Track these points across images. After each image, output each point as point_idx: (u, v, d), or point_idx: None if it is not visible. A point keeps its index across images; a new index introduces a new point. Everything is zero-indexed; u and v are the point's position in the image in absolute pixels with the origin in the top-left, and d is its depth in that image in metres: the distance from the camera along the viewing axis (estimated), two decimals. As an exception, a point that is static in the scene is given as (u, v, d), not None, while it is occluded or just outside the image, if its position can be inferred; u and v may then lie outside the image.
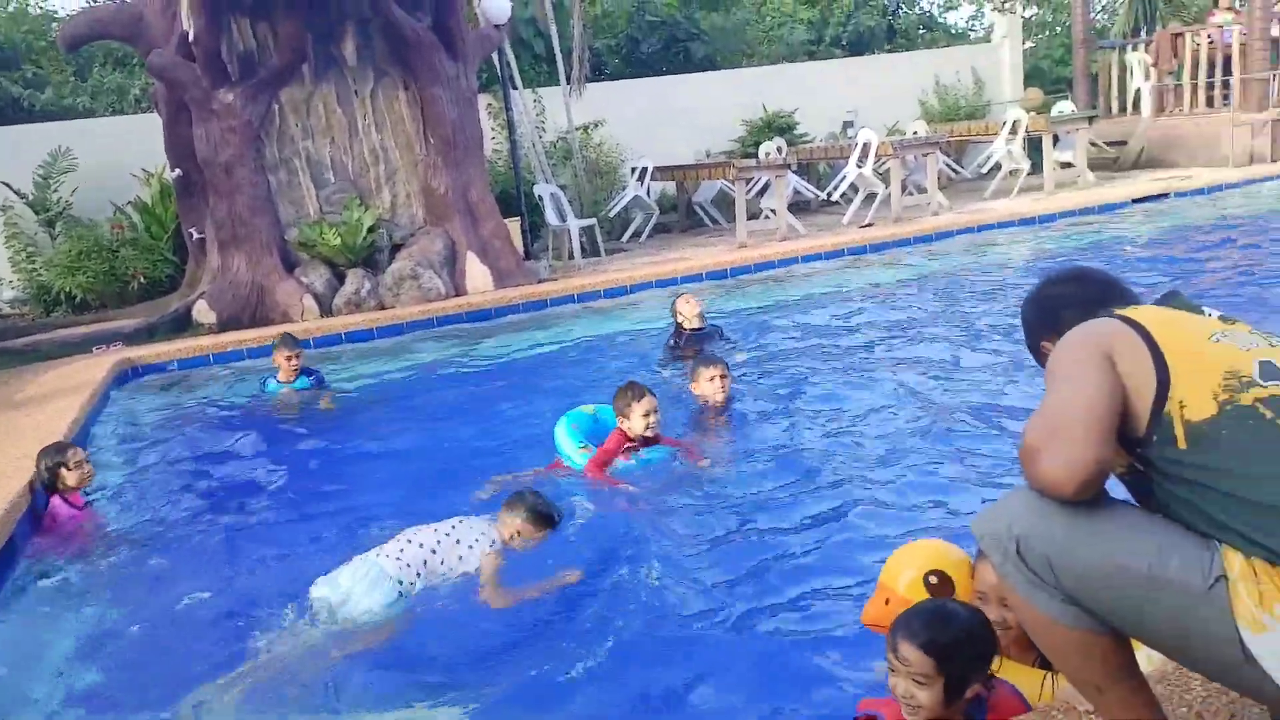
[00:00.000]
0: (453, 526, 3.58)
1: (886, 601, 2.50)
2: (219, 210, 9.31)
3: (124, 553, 4.32)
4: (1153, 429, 1.74)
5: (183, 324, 9.23)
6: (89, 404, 6.69)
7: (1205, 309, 1.93)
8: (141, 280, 10.29)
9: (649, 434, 4.53)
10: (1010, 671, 2.43)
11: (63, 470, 4.67)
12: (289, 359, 6.71)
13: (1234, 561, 1.64)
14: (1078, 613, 1.77)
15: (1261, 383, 1.72)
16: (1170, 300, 2.00)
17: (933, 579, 2.49)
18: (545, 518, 3.66)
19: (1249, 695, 1.89)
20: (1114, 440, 1.74)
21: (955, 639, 2.11)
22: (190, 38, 8.86)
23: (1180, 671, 2.19)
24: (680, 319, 6.69)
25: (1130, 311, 1.90)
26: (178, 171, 9.69)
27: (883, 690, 2.29)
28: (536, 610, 3.36)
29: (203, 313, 9.18)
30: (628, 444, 4.54)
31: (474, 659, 3.14)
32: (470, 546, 3.52)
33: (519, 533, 3.61)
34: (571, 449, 4.71)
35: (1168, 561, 1.68)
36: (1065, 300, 2.11)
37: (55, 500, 4.69)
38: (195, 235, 9.87)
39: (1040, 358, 2.16)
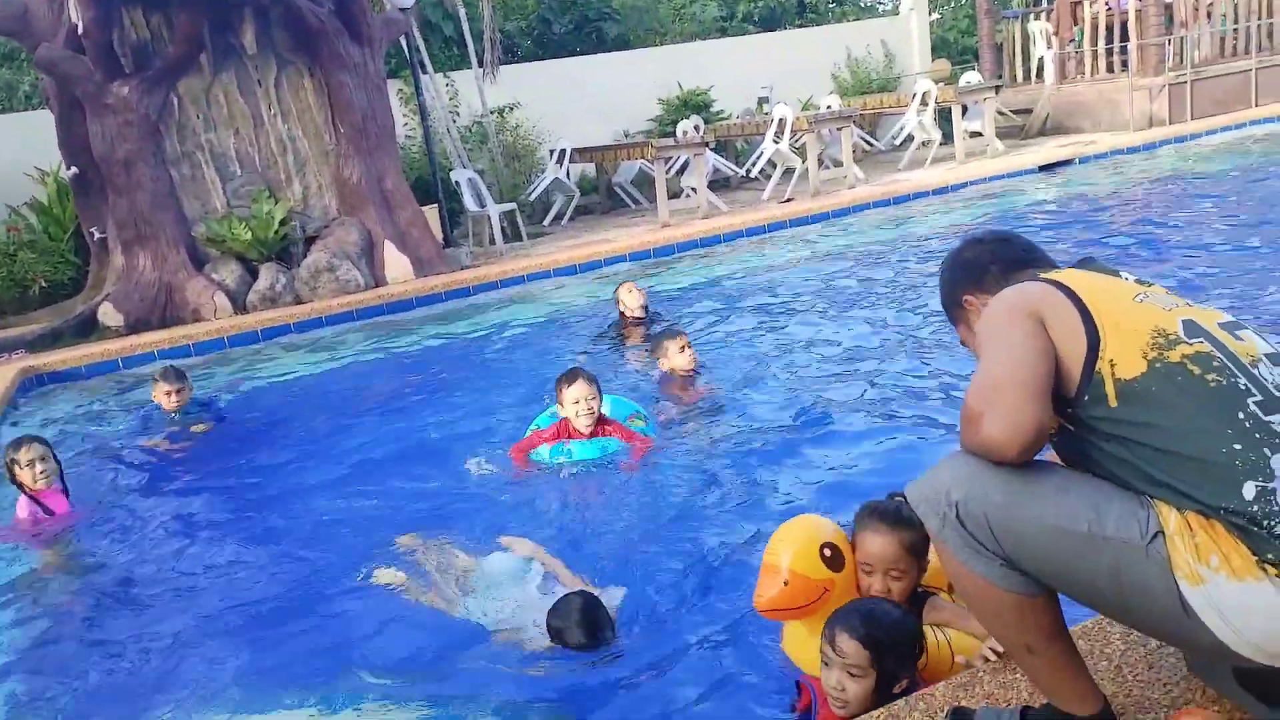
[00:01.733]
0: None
1: (785, 583, 2.43)
2: (120, 208, 8.95)
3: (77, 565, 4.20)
4: (1084, 388, 1.76)
5: (88, 328, 8.87)
6: (-8, 415, 6.40)
7: (1122, 273, 1.97)
8: (43, 284, 9.86)
9: (585, 424, 4.27)
10: None
11: (15, 469, 4.45)
12: (169, 394, 5.85)
13: (1169, 516, 1.67)
14: (1016, 576, 1.79)
15: (1187, 340, 1.75)
16: (1088, 264, 2.02)
17: (826, 551, 2.46)
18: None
19: (1186, 648, 1.95)
20: (1050, 400, 1.75)
21: (891, 635, 2.17)
22: (80, 30, 8.47)
23: (1099, 626, 2.26)
24: (623, 307, 6.70)
25: (1055, 274, 1.92)
26: (74, 169, 9.28)
27: None
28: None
29: (109, 315, 8.84)
30: (568, 433, 4.32)
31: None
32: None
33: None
34: (530, 430, 4.63)
35: (1105, 519, 1.70)
36: (989, 257, 2.12)
37: (21, 499, 4.51)
38: (96, 235, 9.48)
39: (957, 311, 2.17)
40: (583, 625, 2.85)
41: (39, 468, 4.44)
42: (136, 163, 8.81)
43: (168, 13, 8.86)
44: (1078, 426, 1.80)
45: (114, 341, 8.49)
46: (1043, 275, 1.94)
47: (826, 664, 2.18)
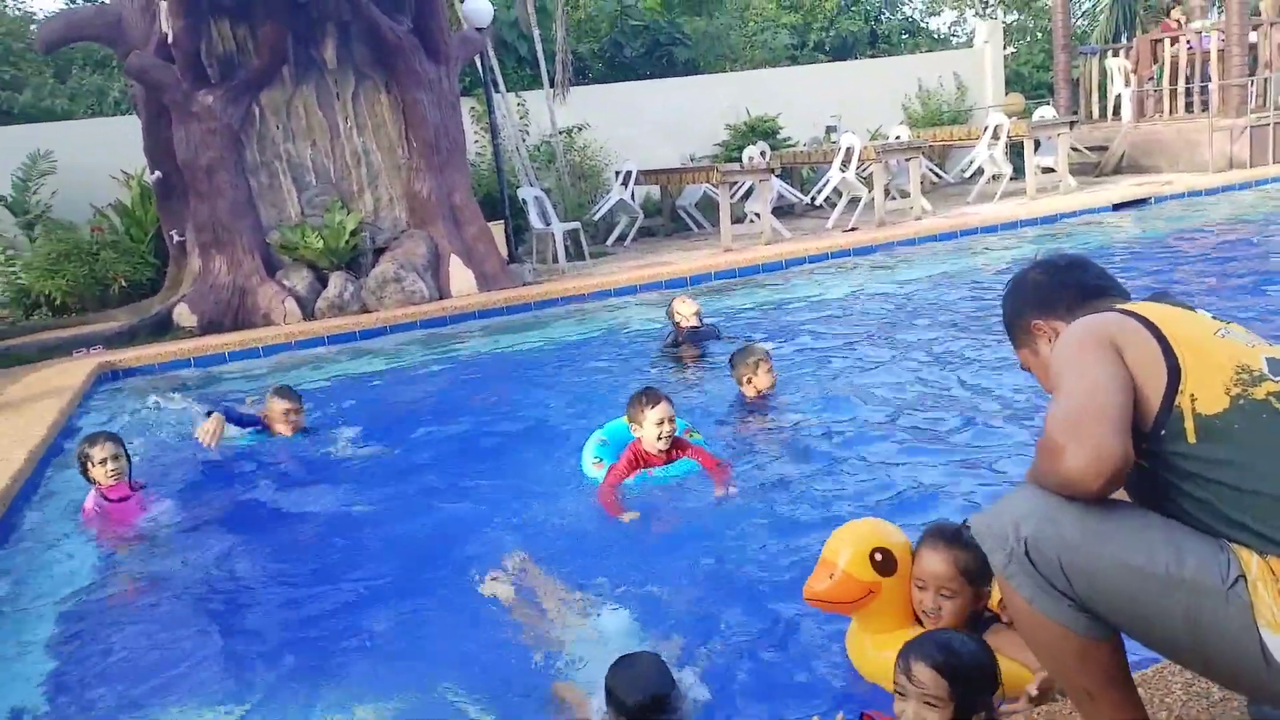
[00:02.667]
0: None
1: (831, 576, 2.55)
2: (200, 213, 9.24)
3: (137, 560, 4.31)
4: (1162, 422, 1.70)
5: (164, 327, 9.15)
6: (69, 407, 6.63)
7: (1198, 310, 1.92)
8: (122, 283, 10.20)
9: (663, 445, 4.12)
10: None
11: (88, 464, 4.57)
12: (287, 413, 5.48)
13: (1250, 560, 1.61)
14: (1083, 618, 1.72)
15: (1273, 377, 1.70)
16: (1163, 299, 1.95)
17: (878, 555, 2.54)
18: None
19: (1265, 699, 1.86)
20: (1131, 433, 1.67)
21: (969, 665, 2.12)
22: (169, 39, 8.80)
23: (1160, 674, 2.19)
24: (678, 318, 6.72)
25: (1132, 305, 1.86)
26: (158, 174, 9.62)
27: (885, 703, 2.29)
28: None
29: (184, 316, 9.11)
30: (644, 459, 4.14)
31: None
32: None
33: None
34: (588, 462, 4.37)
35: (1184, 561, 1.64)
36: (1062, 282, 2.05)
37: (91, 492, 4.64)
38: (176, 238, 9.79)
39: (1022, 335, 2.10)
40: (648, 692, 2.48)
41: (110, 466, 4.54)
42: (218, 170, 9.09)
43: (253, 25, 9.15)
44: (1153, 462, 1.74)
45: (187, 341, 8.75)
46: (1119, 306, 1.88)
47: (901, 693, 2.12)
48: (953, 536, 2.47)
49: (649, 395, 4.16)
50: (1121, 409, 1.69)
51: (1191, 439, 1.69)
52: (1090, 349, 1.77)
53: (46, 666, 3.35)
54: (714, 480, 4.15)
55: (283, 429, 5.48)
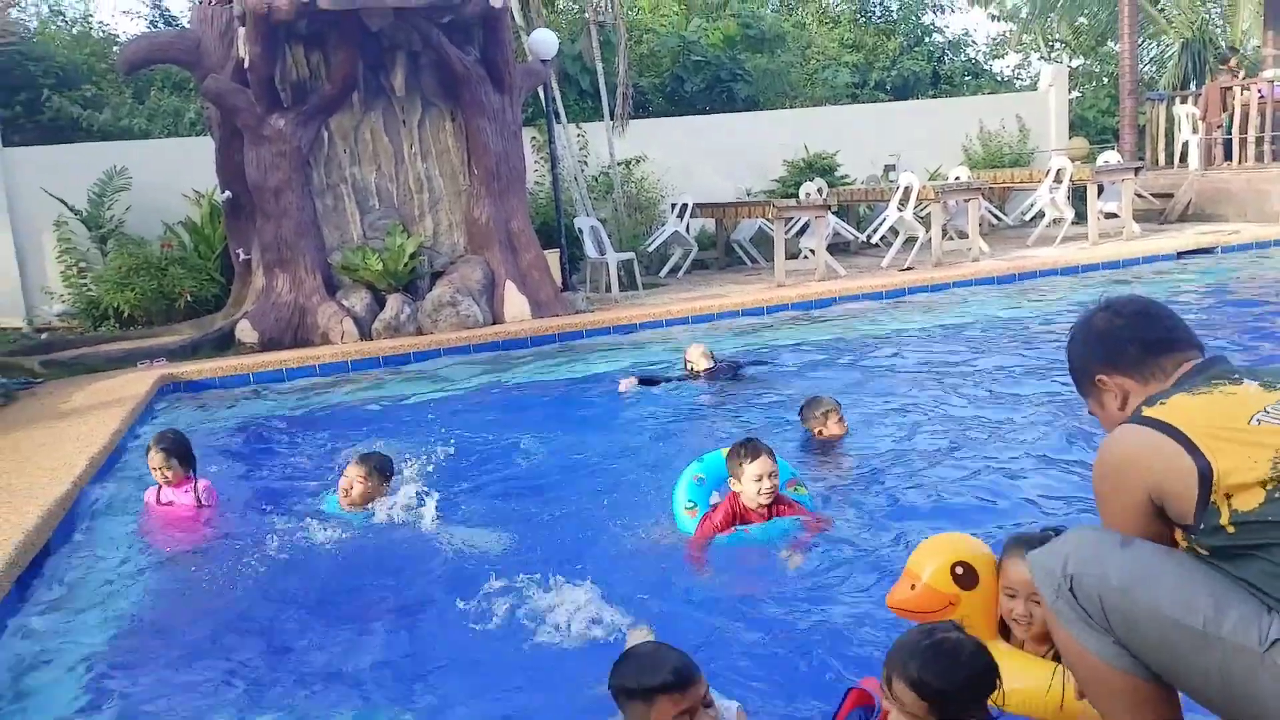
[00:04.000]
0: None
1: (912, 587, 2.65)
2: (266, 232, 9.49)
3: (168, 561, 4.41)
4: (1200, 518, 1.74)
5: (226, 342, 9.39)
6: (132, 417, 6.82)
7: (1244, 379, 1.89)
8: (188, 298, 10.49)
9: (764, 500, 3.79)
10: (1020, 661, 2.51)
11: (149, 461, 4.85)
12: (361, 480, 4.57)
13: None
14: (1127, 657, 1.75)
15: None
16: (1209, 372, 1.95)
17: (959, 569, 2.62)
18: None
19: None
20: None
21: (950, 681, 2.07)
22: (245, 64, 9.09)
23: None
24: (690, 364, 6.98)
25: (1163, 412, 1.86)
26: (228, 193, 9.91)
27: None
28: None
29: (245, 332, 9.33)
30: (742, 514, 3.83)
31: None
32: None
33: None
34: (680, 505, 4.05)
35: (1223, 618, 1.65)
36: (1128, 335, 2.06)
37: (149, 490, 4.93)
38: (242, 256, 10.06)
39: (1088, 387, 2.12)
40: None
41: (159, 474, 4.82)
42: (286, 191, 9.34)
43: (327, 53, 9.43)
44: (1204, 549, 1.77)
45: (247, 357, 8.95)
46: (1146, 412, 1.89)
47: (886, 700, 2.13)
48: (1038, 543, 2.46)
49: (749, 447, 3.80)
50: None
51: (1230, 530, 1.72)
52: (1117, 495, 1.89)
53: (89, 672, 3.41)
54: (806, 532, 3.87)
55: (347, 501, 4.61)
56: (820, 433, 5.21)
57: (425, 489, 4.69)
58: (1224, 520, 1.70)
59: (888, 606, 2.70)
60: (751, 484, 3.76)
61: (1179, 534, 1.83)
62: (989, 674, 2.13)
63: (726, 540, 3.83)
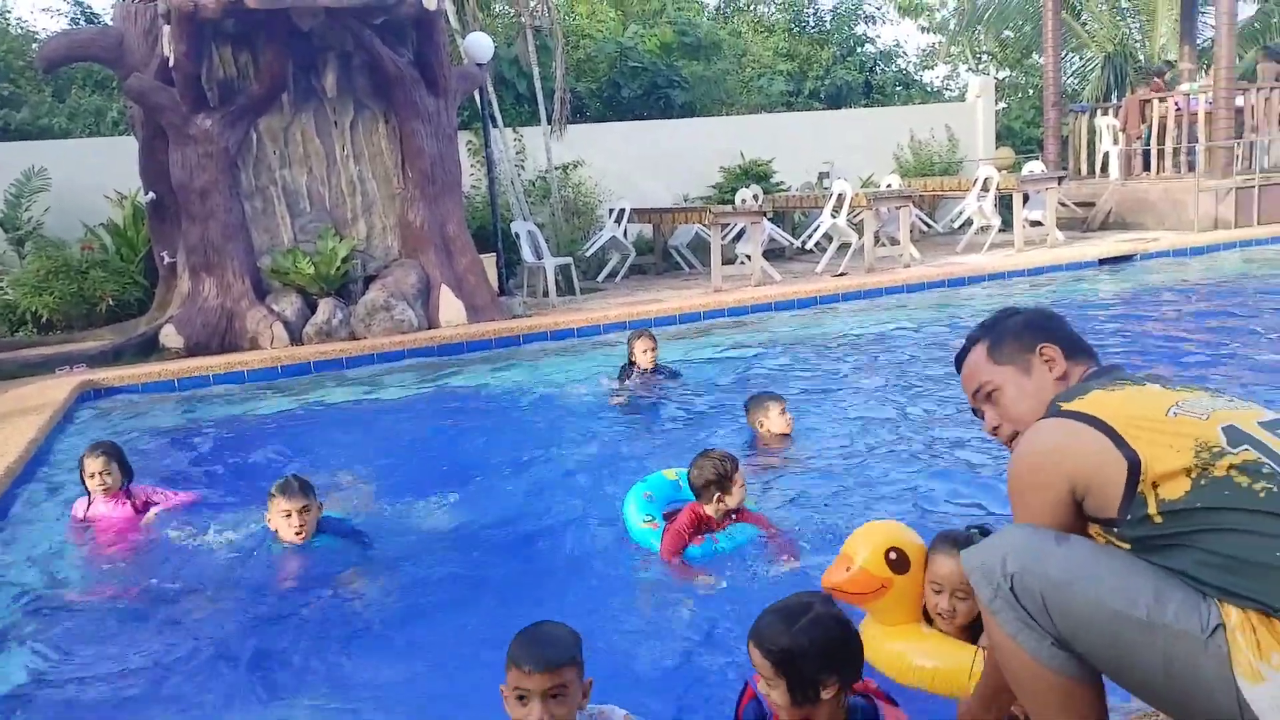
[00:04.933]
0: None
1: (847, 569, 2.76)
2: (192, 235, 9.25)
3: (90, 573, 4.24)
4: (1125, 509, 1.76)
5: (150, 348, 9.12)
6: (49, 424, 6.58)
7: (1145, 381, 1.97)
8: (110, 302, 10.16)
9: (728, 511, 3.82)
10: (940, 643, 2.66)
11: (84, 472, 4.68)
12: (288, 515, 4.00)
13: (1230, 611, 1.65)
14: (1064, 657, 1.77)
15: (1231, 449, 1.74)
16: (1112, 374, 2.03)
17: (893, 554, 2.75)
18: None
19: None
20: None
21: (791, 641, 2.10)
22: (170, 63, 8.86)
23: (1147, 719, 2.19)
24: (635, 357, 6.87)
25: (1079, 403, 1.91)
26: (152, 195, 9.63)
27: None
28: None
29: (170, 337, 9.08)
30: (705, 521, 3.83)
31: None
32: None
33: None
34: (636, 520, 4.03)
35: (1165, 607, 1.68)
36: (1060, 327, 2.18)
37: (81, 498, 4.75)
38: (166, 259, 9.79)
39: (1018, 353, 2.15)
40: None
41: (98, 480, 4.65)
42: (212, 193, 9.11)
43: (255, 52, 9.23)
44: (1128, 543, 1.80)
45: (172, 363, 8.71)
46: (1065, 406, 1.93)
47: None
48: (964, 542, 2.58)
49: (728, 459, 3.86)
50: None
51: (1157, 520, 1.74)
52: (1036, 489, 1.90)
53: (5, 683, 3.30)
54: (776, 550, 3.83)
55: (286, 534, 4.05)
56: (765, 428, 5.24)
57: (355, 505, 4.59)
58: (1151, 510, 1.73)
59: (822, 587, 2.77)
60: (735, 496, 3.83)
61: (1094, 529, 1.86)
62: (844, 643, 2.15)
63: (699, 550, 3.79)
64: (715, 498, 3.79)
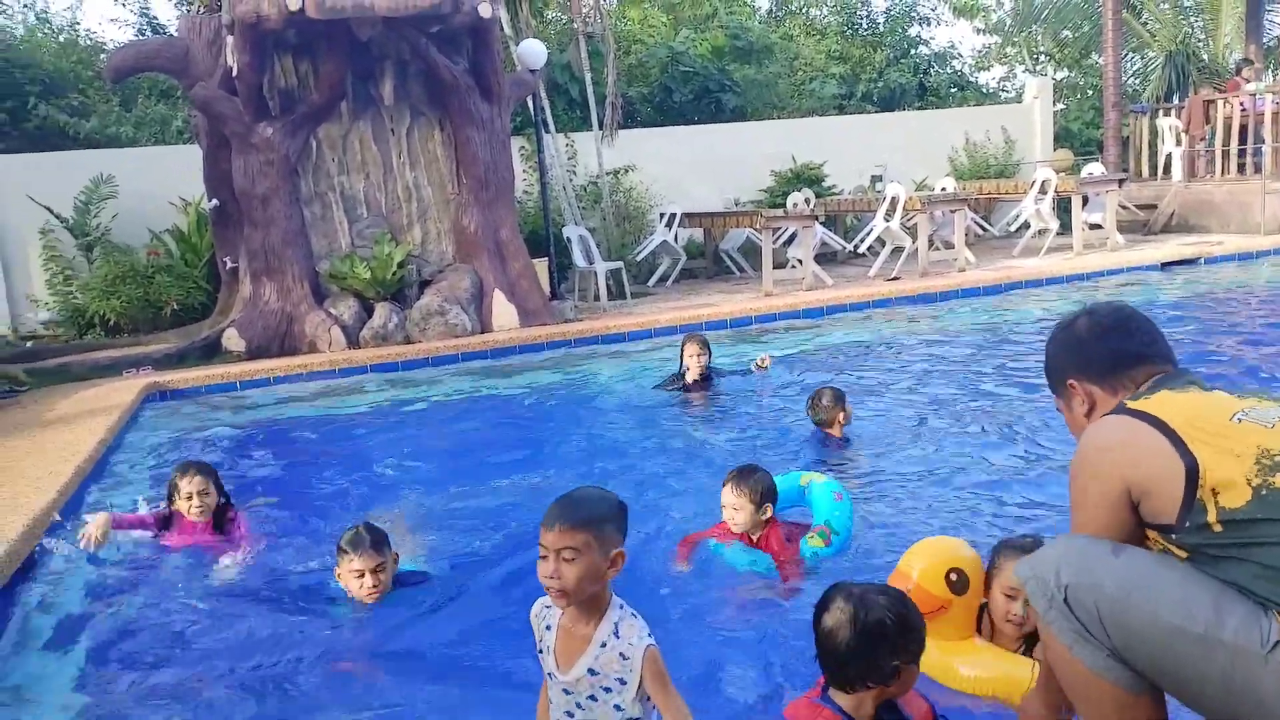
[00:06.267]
0: None
1: (906, 590, 2.62)
2: (253, 241, 9.46)
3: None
4: (1185, 516, 1.74)
5: (213, 351, 9.35)
6: (117, 425, 6.77)
7: (1213, 388, 1.94)
8: (174, 307, 10.45)
9: (731, 524, 3.78)
10: (1004, 657, 2.64)
11: (175, 494, 4.38)
12: (360, 575, 3.58)
13: None
14: (1121, 669, 1.74)
15: None
16: (1180, 378, 1.99)
17: (953, 575, 2.72)
18: None
19: None
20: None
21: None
22: (234, 73, 9.09)
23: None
24: (689, 362, 6.90)
25: (1145, 403, 1.89)
26: (215, 201, 9.88)
27: None
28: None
29: (232, 340, 9.30)
30: (730, 534, 3.83)
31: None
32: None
33: None
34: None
35: (1224, 622, 1.65)
36: (1102, 347, 2.09)
37: (166, 510, 4.42)
38: (229, 264, 10.03)
39: (1058, 385, 2.17)
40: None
41: (195, 501, 4.35)
42: (273, 199, 9.32)
43: (316, 62, 9.43)
44: (1186, 550, 1.77)
45: (234, 365, 8.92)
46: (1130, 404, 1.91)
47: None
48: (1032, 548, 2.54)
49: (729, 475, 3.82)
50: (1113, 537, 1.87)
51: (1217, 529, 1.72)
52: (1097, 491, 1.88)
53: (69, 682, 3.37)
54: (781, 572, 3.74)
55: (357, 593, 3.64)
56: (826, 423, 5.33)
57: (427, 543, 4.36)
58: (1211, 518, 1.70)
59: None
60: (724, 510, 3.80)
61: (1153, 535, 1.83)
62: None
63: (713, 545, 3.86)
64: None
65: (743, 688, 2.97)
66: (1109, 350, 2.07)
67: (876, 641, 2.04)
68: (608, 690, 2.12)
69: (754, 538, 3.79)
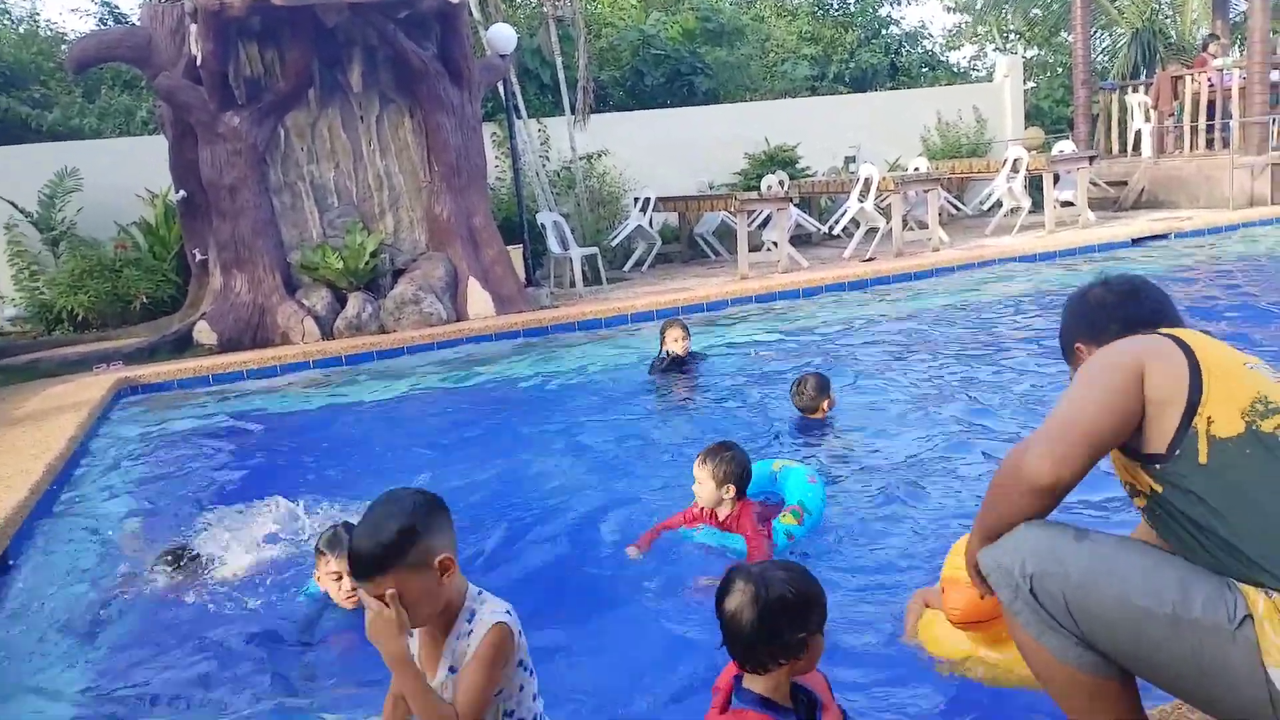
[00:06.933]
0: None
1: (982, 597, 2.48)
2: (222, 232, 9.34)
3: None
4: (1178, 442, 1.74)
5: (184, 344, 9.24)
6: (88, 422, 6.68)
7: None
8: (144, 300, 10.31)
9: (707, 508, 3.79)
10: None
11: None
12: (338, 577, 3.37)
13: (1257, 600, 1.63)
14: (1090, 656, 1.74)
15: None
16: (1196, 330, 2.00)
17: None
18: None
19: None
20: (1099, 456, 1.80)
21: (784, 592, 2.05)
22: (198, 62, 8.94)
23: (1179, 711, 2.17)
24: (670, 345, 6.90)
25: (1175, 331, 1.90)
26: (182, 193, 9.74)
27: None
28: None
29: (204, 333, 9.19)
30: (697, 516, 3.86)
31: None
32: None
33: None
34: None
35: (1191, 601, 1.66)
36: (1112, 313, 2.10)
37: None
38: (198, 256, 9.90)
39: (1071, 357, 2.17)
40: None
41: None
42: (241, 189, 9.20)
43: (281, 49, 9.29)
44: (1166, 487, 1.77)
45: (206, 358, 8.81)
46: (1163, 331, 1.91)
47: None
48: None
49: (702, 452, 3.82)
50: (1104, 435, 1.79)
51: (1203, 459, 1.72)
52: (1110, 371, 1.83)
53: (52, 682, 3.34)
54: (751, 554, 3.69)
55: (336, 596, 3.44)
56: (810, 409, 5.34)
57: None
58: (1200, 444, 1.70)
59: (953, 623, 2.59)
60: (696, 486, 3.81)
61: (1133, 472, 1.81)
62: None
63: (683, 531, 3.88)
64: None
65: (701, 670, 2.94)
66: (1119, 316, 2.08)
67: (780, 617, 2.01)
68: None
69: (722, 518, 3.79)
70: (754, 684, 2.07)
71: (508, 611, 2.03)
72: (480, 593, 2.07)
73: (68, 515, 5.13)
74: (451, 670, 2.01)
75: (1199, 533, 1.71)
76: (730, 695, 2.10)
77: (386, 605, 1.93)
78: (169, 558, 4.02)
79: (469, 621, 2.02)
